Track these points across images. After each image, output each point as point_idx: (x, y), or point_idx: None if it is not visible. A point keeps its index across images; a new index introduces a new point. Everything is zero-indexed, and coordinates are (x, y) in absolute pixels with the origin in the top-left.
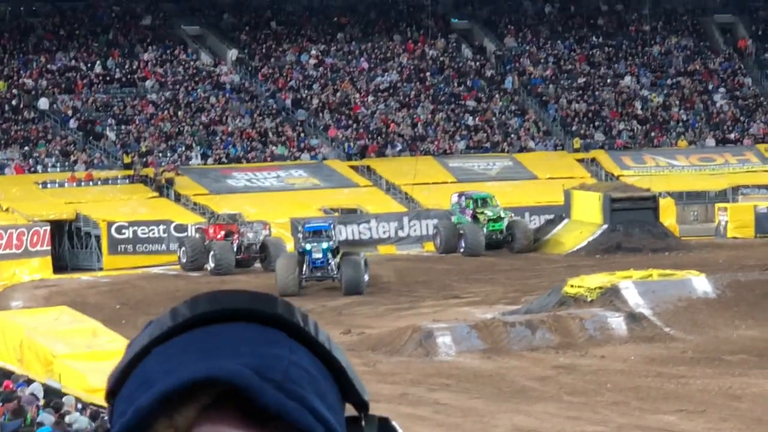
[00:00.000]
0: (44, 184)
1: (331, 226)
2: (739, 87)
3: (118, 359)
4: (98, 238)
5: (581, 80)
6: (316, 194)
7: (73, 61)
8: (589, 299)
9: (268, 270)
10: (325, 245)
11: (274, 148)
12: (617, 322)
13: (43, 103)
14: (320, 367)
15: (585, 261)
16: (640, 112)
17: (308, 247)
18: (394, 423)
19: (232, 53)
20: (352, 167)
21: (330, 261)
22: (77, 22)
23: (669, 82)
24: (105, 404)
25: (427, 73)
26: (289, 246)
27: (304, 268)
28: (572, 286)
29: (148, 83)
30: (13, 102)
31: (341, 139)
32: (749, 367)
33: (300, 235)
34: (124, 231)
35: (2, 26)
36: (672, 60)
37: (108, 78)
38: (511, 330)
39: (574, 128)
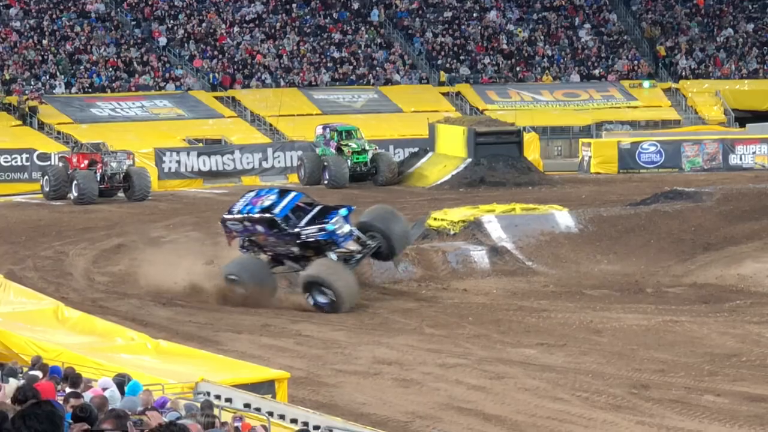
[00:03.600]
0: None
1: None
2: (604, 23)
3: None
4: None
5: (447, 14)
6: (180, 124)
7: None
8: (452, 232)
9: (132, 200)
10: None
11: (138, 77)
12: (480, 256)
13: None
14: None
15: (448, 194)
16: (505, 46)
17: None
18: None
19: None
20: (216, 98)
21: None
22: None
23: (535, 17)
24: None
25: (293, 5)
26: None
27: None
28: (435, 219)
29: (12, 11)
30: None
31: (206, 69)
32: (610, 302)
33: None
34: None
35: None
36: None
37: None
38: (374, 263)
39: (439, 62)
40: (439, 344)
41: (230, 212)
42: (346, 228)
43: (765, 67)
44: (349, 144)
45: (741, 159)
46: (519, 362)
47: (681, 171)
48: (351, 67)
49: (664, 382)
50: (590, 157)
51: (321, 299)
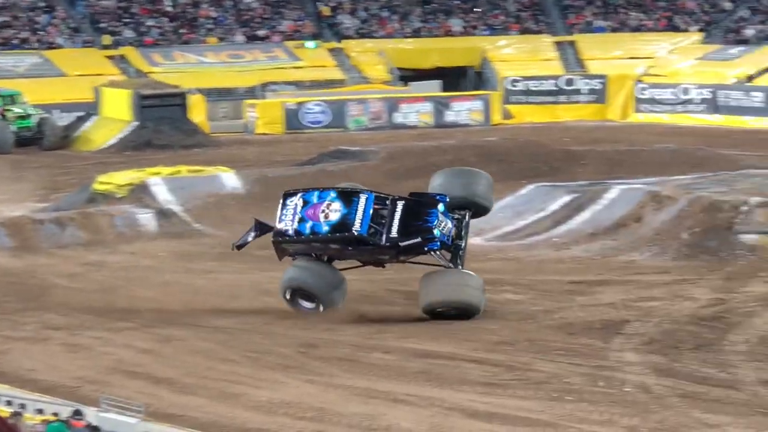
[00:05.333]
0: None
1: None
2: None
3: None
4: None
5: None
6: None
7: None
8: (118, 196)
9: None
10: None
11: None
12: (147, 219)
13: None
14: None
15: (115, 158)
16: (169, 8)
17: None
18: None
19: None
20: None
21: None
22: None
23: None
24: None
25: None
26: None
27: None
28: (101, 183)
29: None
30: None
31: None
32: (277, 262)
33: None
34: None
35: None
36: None
37: None
38: (40, 228)
39: (103, 25)
40: (108, 308)
41: (283, 233)
42: (449, 224)
43: (428, 26)
44: (13, 109)
45: (406, 117)
46: (189, 324)
47: (346, 130)
48: (14, 32)
49: (332, 340)
50: (256, 118)
51: (453, 313)
